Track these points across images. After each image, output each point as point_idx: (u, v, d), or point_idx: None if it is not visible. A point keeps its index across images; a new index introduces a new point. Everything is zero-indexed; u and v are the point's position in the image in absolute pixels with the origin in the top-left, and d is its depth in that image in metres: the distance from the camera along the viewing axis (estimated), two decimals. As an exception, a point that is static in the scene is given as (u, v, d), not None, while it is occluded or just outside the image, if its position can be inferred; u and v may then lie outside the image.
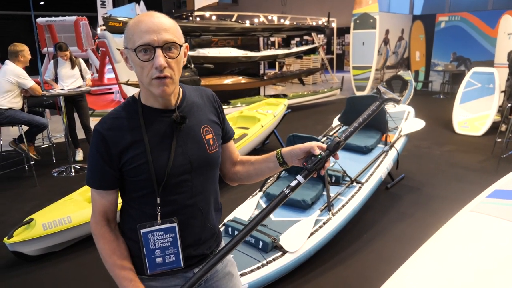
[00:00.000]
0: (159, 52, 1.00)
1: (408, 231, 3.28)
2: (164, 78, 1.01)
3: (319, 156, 1.09)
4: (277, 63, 12.96)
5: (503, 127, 6.17)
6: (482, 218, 2.10)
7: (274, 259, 2.45)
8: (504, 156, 4.89)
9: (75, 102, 5.15)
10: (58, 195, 3.71)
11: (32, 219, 2.87)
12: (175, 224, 1.10)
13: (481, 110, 6.76)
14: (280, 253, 2.50)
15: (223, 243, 1.29)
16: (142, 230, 1.08)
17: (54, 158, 5.38)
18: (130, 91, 8.72)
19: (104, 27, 8.65)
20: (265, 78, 8.64)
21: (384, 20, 10.49)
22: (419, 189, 4.18)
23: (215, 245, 1.24)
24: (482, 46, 10.55)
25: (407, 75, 8.63)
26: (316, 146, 1.11)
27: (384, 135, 3.84)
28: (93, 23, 14.30)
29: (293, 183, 1.11)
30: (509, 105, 5.56)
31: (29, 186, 4.45)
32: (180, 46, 1.04)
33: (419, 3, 15.62)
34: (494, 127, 6.52)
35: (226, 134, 1.28)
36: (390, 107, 4.43)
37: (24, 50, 4.52)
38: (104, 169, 1.07)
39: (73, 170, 4.87)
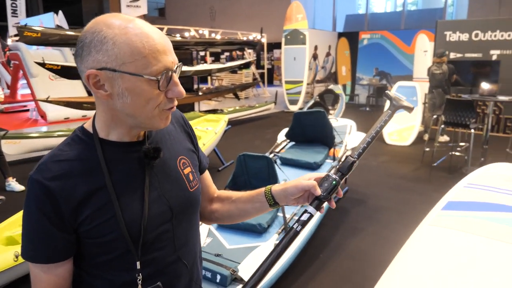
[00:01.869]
0: (176, 78, 0.78)
1: (362, 247, 3.24)
2: (172, 108, 0.82)
3: (334, 183, 0.90)
4: (209, 78, 12.77)
5: (426, 137, 6.62)
6: (442, 231, 2.09)
7: (234, 294, 2.22)
8: (435, 164, 5.17)
9: (-18, 123, 4.46)
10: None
11: None
12: None
13: (407, 121, 7.19)
14: (240, 286, 2.27)
15: None
16: None
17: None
18: (50, 109, 7.92)
19: (16, 38, 7.79)
20: (200, 93, 8.38)
21: (313, 36, 10.85)
22: (365, 202, 4.21)
23: None
24: (401, 62, 11.38)
25: (338, 89, 8.93)
26: (317, 185, 0.89)
27: (332, 150, 3.82)
28: (2, 33, 12.96)
29: (304, 216, 0.90)
30: (435, 116, 5.95)
31: None
32: None
33: (341, 21, 16.58)
34: (419, 136, 6.97)
35: (200, 163, 1.04)
36: (333, 121, 4.45)
37: None
38: (53, 234, 0.77)
39: (-18, 202, 4.17)
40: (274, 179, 2.98)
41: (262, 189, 0.98)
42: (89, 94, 8.71)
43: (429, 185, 4.69)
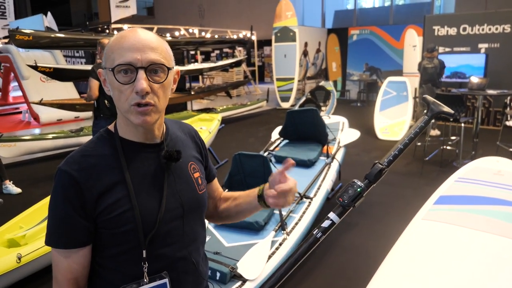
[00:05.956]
0: (141, 74, 0.83)
1: (356, 241, 3.32)
2: (146, 105, 0.85)
3: (359, 190, 0.91)
4: (200, 77, 12.76)
5: (418, 131, 6.71)
6: (434, 225, 2.16)
7: (235, 291, 2.27)
8: (427, 159, 5.27)
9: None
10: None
11: None
12: (166, 280, 0.91)
13: (398, 116, 7.29)
14: (240, 283, 2.33)
15: None
16: None
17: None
18: (43, 111, 7.90)
19: (5, 40, 7.72)
20: (192, 92, 8.40)
21: (302, 33, 10.92)
22: (358, 197, 4.29)
23: None
24: (390, 57, 11.49)
25: (329, 85, 9.01)
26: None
27: (325, 147, 3.88)
28: (-10, 35, 12.79)
29: (326, 223, 0.93)
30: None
31: None
32: (169, 69, 0.88)
33: (329, 17, 16.64)
34: (411, 131, 7.06)
35: (210, 173, 1.14)
36: (325, 118, 4.51)
37: None
38: (75, 220, 0.86)
39: (-22, 207, 4.17)
40: (269, 178, 3.04)
41: (256, 189, 1.07)
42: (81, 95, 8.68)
43: (421, 179, 4.78)
